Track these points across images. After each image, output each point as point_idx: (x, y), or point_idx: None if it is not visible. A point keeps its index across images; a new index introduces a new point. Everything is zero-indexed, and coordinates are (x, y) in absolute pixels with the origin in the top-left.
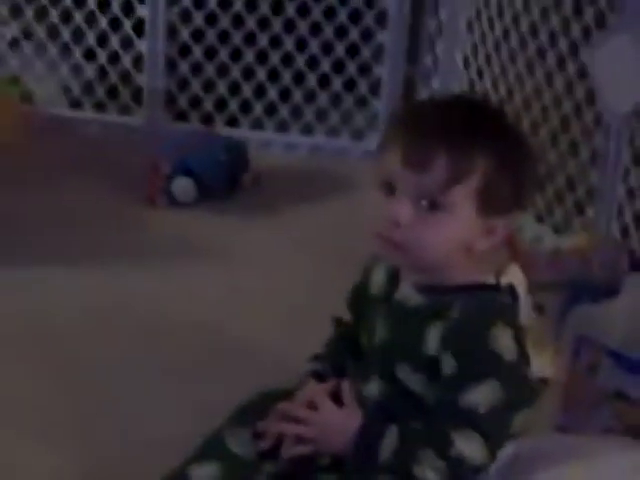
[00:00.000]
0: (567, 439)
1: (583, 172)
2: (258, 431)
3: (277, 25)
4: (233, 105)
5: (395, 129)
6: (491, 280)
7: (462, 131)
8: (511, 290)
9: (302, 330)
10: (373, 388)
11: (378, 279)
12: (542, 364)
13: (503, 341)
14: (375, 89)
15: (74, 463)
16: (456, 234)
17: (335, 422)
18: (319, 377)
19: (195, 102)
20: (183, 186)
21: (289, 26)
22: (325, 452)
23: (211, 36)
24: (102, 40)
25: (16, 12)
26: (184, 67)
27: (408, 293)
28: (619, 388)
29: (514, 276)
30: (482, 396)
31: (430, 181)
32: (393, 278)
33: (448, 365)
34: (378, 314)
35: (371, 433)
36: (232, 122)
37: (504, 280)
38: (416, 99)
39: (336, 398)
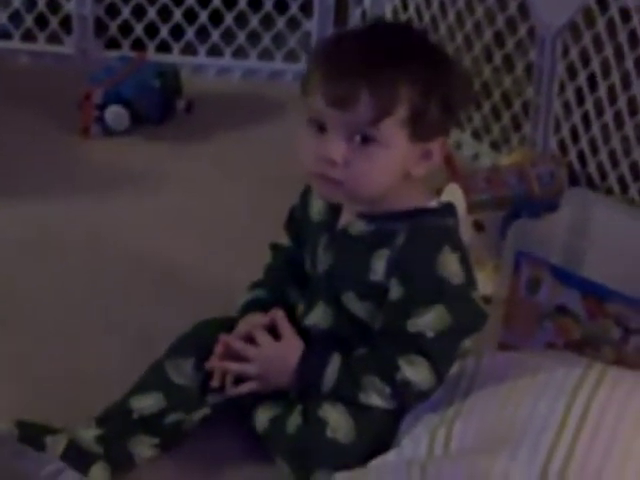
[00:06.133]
0: (510, 355)
1: (519, 87)
2: (205, 369)
3: None
4: (164, 30)
5: (315, 66)
6: (433, 203)
7: (382, 63)
8: (451, 209)
9: (240, 257)
10: (318, 315)
11: (318, 205)
12: (482, 282)
13: (450, 266)
14: (307, 9)
15: (12, 396)
16: (393, 164)
17: (276, 356)
18: (259, 305)
19: (125, 28)
20: (116, 114)
21: None
22: (270, 387)
23: None
24: None
25: None
26: None
27: (351, 221)
28: (560, 303)
29: (453, 194)
30: (430, 321)
31: (358, 117)
32: (334, 205)
33: (395, 291)
34: (320, 241)
35: (313, 363)
36: (163, 47)
37: (443, 199)
38: (335, 32)
39: (274, 329)
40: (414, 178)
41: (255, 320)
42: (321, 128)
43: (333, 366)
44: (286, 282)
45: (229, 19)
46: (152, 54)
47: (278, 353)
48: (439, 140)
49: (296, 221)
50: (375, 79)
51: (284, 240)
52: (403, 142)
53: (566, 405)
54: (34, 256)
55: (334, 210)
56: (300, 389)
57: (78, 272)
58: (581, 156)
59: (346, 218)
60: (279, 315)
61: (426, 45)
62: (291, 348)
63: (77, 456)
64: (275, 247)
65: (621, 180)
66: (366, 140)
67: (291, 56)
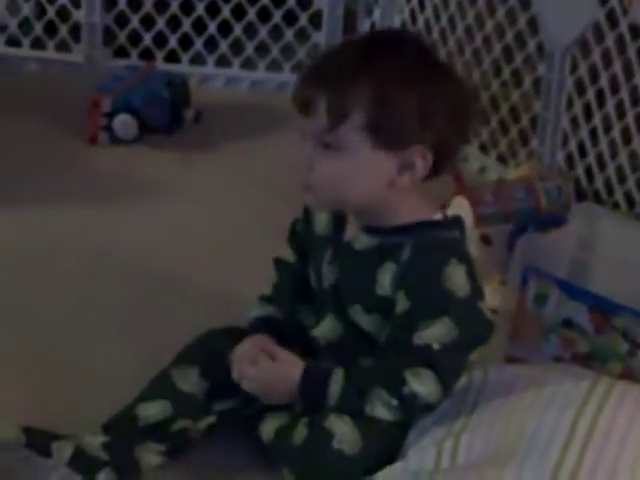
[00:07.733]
0: (517, 368)
1: (527, 102)
2: (212, 377)
3: None
4: (173, 40)
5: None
6: (438, 216)
7: (338, 70)
8: (458, 222)
9: (245, 267)
10: (326, 327)
11: (322, 219)
12: (489, 295)
13: (456, 278)
14: (316, 21)
15: (18, 403)
16: (359, 171)
17: (274, 377)
18: (269, 323)
19: (134, 37)
20: (124, 123)
21: None
22: (276, 403)
23: None
24: None
25: None
26: (122, 2)
27: (356, 235)
28: (567, 317)
29: (460, 208)
30: (436, 333)
31: (317, 124)
32: (338, 219)
33: (402, 304)
34: (324, 255)
35: (315, 378)
36: (172, 57)
37: (450, 212)
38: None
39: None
40: (401, 189)
41: (249, 342)
42: (303, 134)
43: (336, 382)
44: (294, 299)
45: (238, 30)
46: (160, 64)
47: (276, 374)
48: (416, 149)
49: (298, 234)
50: (329, 86)
51: (288, 253)
52: (366, 149)
53: (573, 418)
54: (39, 263)
55: (338, 224)
56: (304, 404)
57: (83, 280)
58: (588, 171)
59: (351, 232)
60: (264, 341)
61: (409, 54)
62: (288, 368)
63: (83, 463)
64: (278, 262)
65: (628, 195)
66: (327, 147)
67: (299, 67)
